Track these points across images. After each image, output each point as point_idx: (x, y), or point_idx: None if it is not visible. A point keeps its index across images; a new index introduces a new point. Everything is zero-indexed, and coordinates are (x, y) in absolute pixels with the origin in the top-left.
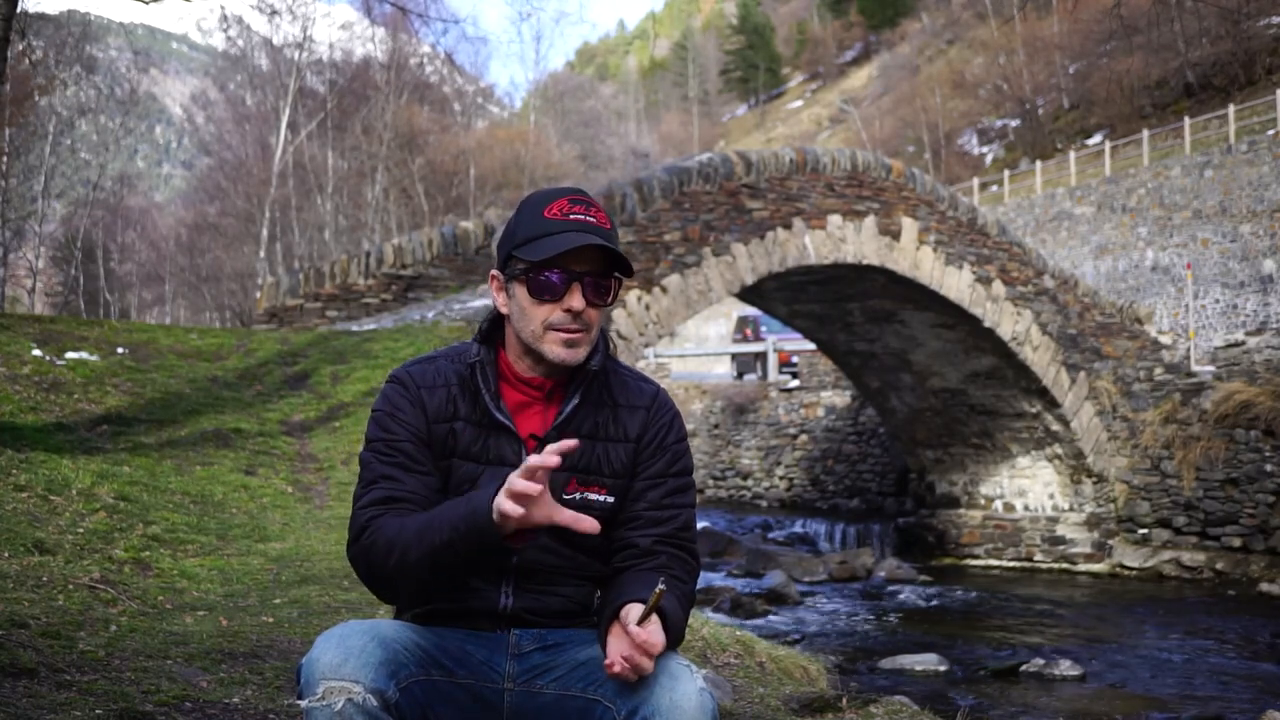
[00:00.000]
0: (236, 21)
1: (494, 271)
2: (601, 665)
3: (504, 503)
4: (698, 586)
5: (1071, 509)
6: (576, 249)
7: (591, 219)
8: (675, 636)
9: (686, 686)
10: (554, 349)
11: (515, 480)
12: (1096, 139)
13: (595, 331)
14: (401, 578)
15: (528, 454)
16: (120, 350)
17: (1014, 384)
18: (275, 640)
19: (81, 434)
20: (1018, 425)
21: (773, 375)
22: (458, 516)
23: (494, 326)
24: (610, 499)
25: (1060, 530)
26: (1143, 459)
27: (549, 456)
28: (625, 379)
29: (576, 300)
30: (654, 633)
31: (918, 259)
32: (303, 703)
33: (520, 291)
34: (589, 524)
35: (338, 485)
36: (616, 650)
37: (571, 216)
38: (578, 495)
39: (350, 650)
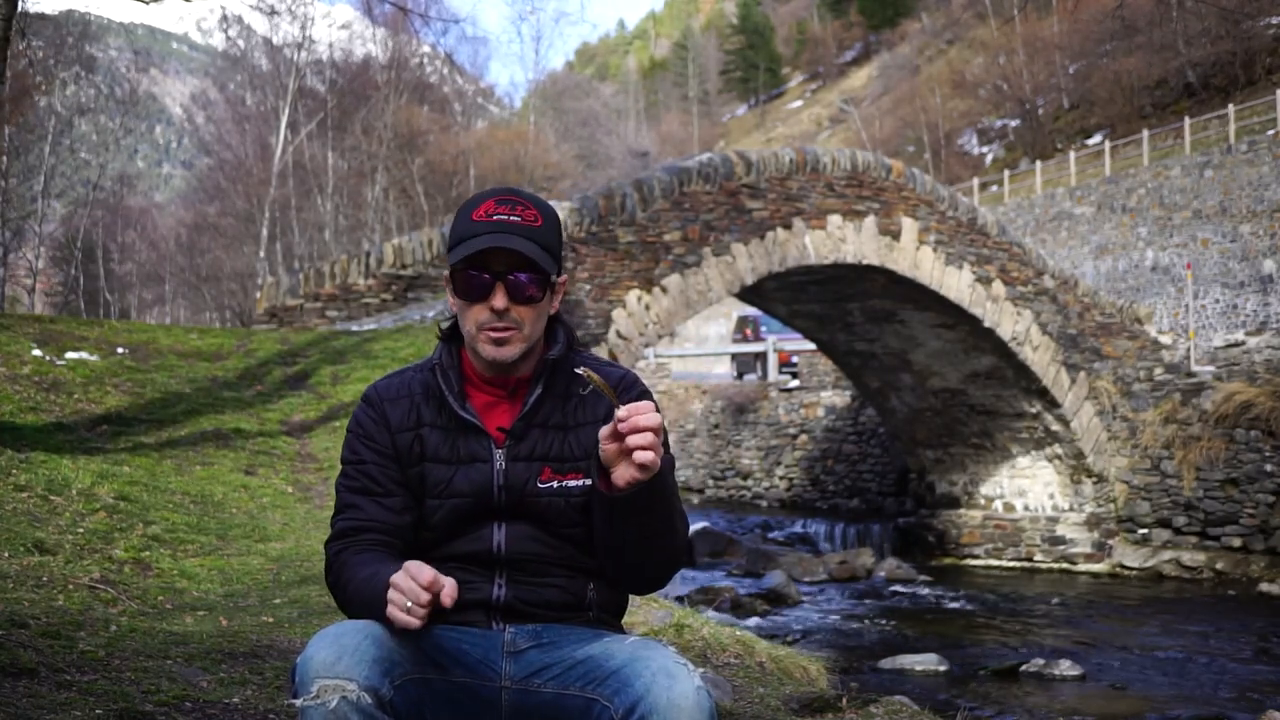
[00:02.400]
0: (236, 21)
1: (445, 274)
2: (599, 664)
3: (395, 614)
4: (697, 587)
5: (1071, 509)
6: (494, 251)
7: (516, 218)
8: (660, 497)
9: (684, 685)
10: (485, 348)
11: (395, 612)
12: (1096, 139)
13: (531, 328)
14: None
15: (497, 449)
16: (120, 350)
17: (1014, 384)
18: (275, 640)
19: (81, 434)
20: (1018, 425)
21: (773, 375)
22: (372, 597)
23: (454, 327)
24: (587, 482)
25: (1060, 530)
26: (1143, 459)
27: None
28: (593, 367)
29: (499, 300)
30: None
31: (918, 259)
32: (297, 701)
33: (451, 292)
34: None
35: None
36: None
37: (495, 217)
38: (554, 484)
39: (344, 648)
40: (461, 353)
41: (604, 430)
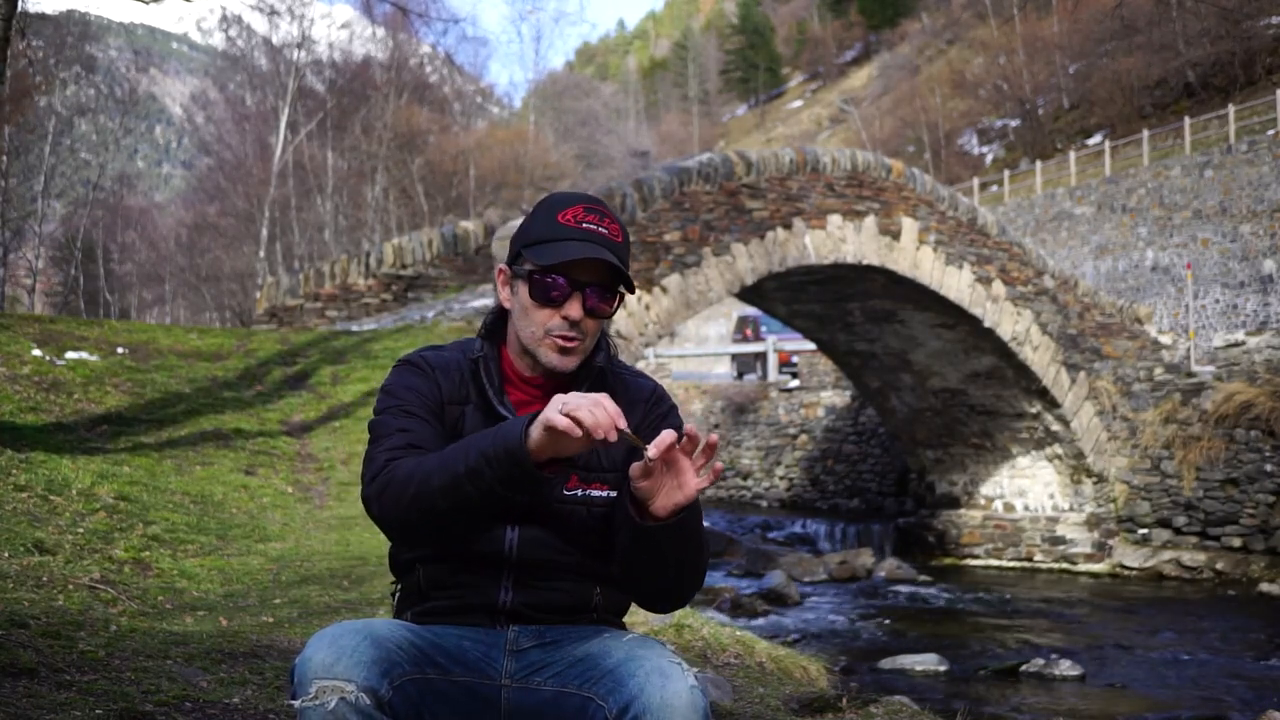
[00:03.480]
0: (236, 21)
1: (501, 265)
2: (596, 663)
3: (555, 418)
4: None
5: (1071, 509)
6: (584, 260)
7: (604, 230)
8: (695, 521)
9: (678, 685)
10: (549, 355)
11: (556, 417)
12: (1096, 139)
13: (592, 340)
14: (418, 508)
15: None
16: (120, 350)
17: (1014, 384)
18: (275, 640)
19: (81, 434)
20: (1018, 425)
21: (773, 375)
22: (486, 442)
23: (497, 322)
24: (612, 494)
25: (1060, 530)
26: (1143, 459)
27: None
28: (624, 378)
29: (575, 310)
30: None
31: (918, 259)
32: (296, 703)
33: (523, 291)
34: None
35: (338, 485)
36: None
37: (584, 225)
38: (579, 492)
39: (343, 649)
40: (501, 350)
41: (635, 467)
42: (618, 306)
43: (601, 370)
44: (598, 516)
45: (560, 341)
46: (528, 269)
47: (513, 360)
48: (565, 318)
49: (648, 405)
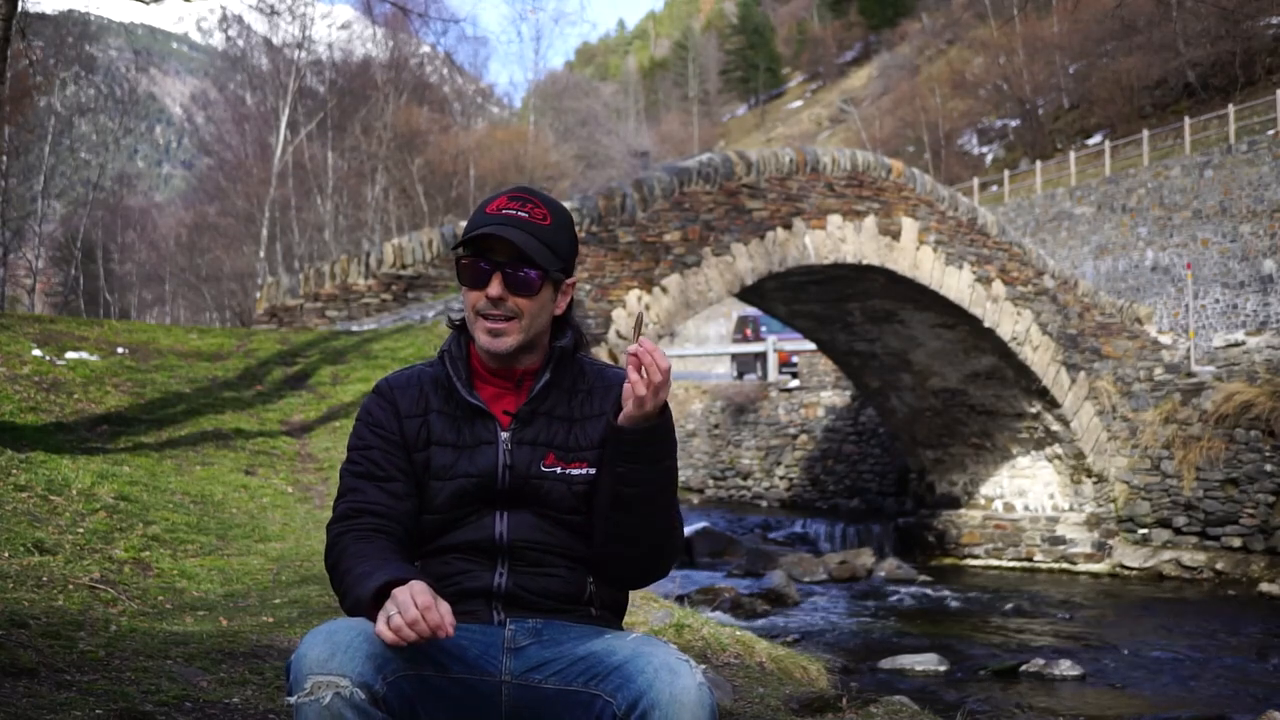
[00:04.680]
0: (236, 21)
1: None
2: (601, 660)
3: (383, 631)
4: (698, 587)
5: (1071, 509)
6: (495, 240)
7: (523, 214)
8: (667, 432)
9: (686, 681)
10: (480, 336)
11: (391, 622)
12: (1096, 139)
13: (528, 321)
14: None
15: (503, 431)
16: (120, 350)
17: (1014, 384)
18: (275, 640)
19: (81, 434)
20: (1018, 425)
21: (773, 375)
22: (355, 595)
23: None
24: (591, 471)
25: (1060, 530)
26: (1143, 459)
27: (444, 626)
28: (600, 368)
29: (495, 288)
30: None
31: (918, 259)
32: (291, 699)
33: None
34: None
35: (338, 485)
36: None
37: (504, 211)
38: (558, 469)
39: (337, 645)
40: (469, 345)
41: (625, 389)
42: (555, 290)
43: (564, 353)
44: (579, 495)
45: (487, 323)
46: (458, 259)
47: (478, 354)
48: (488, 296)
49: (623, 390)
